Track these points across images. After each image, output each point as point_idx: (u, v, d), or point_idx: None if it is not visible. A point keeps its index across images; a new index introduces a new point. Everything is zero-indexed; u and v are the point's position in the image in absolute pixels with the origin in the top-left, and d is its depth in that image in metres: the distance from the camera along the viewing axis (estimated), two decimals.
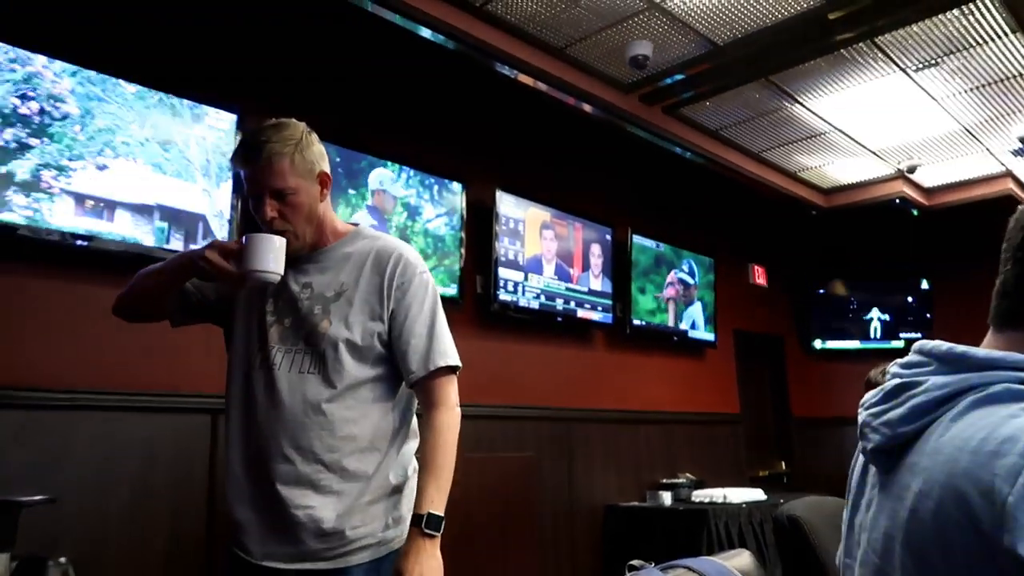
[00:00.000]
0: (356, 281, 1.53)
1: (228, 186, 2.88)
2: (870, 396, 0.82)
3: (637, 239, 4.76)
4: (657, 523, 4.19)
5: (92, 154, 2.56)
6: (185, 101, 2.81)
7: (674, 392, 5.03)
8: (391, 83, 3.66)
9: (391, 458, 1.52)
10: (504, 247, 3.91)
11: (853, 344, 6.42)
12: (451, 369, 1.53)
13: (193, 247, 2.71)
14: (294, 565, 1.45)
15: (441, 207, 3.68)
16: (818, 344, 6.46)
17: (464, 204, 3.78)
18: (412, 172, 3.57)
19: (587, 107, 3.93)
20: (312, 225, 1.54)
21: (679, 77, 3.85)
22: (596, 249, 4.51)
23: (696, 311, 5.21)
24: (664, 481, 4.61)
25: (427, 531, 1.39)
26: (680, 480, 4.61)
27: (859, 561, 0.80)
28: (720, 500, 4.27)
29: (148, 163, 2.70)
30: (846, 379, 6.07)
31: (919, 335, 6.23)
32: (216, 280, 1.52)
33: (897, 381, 0.79)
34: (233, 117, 2.92)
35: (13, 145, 2.40)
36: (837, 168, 5.21)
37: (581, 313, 4.34)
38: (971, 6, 3.26)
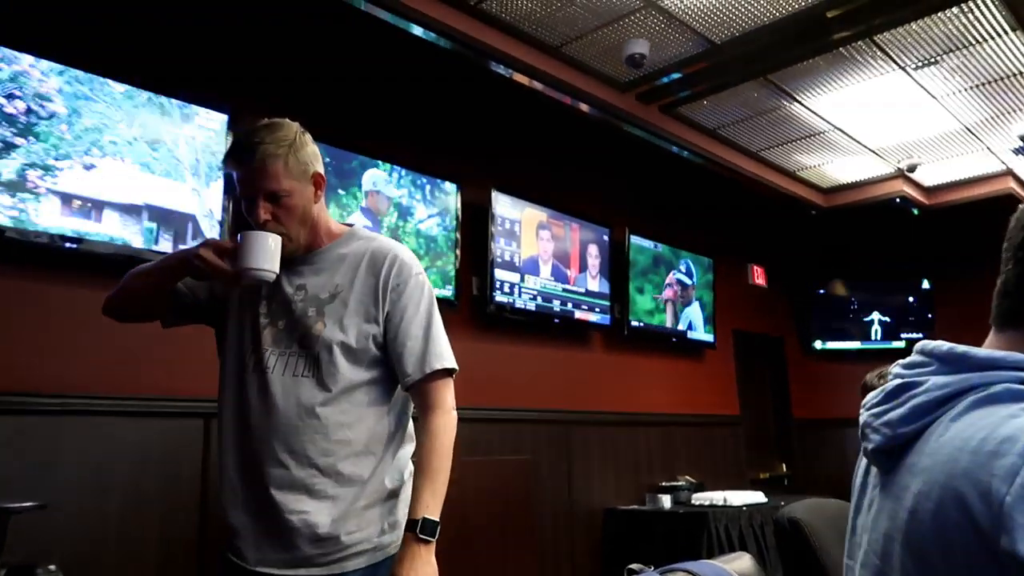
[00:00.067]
0: (351, 283, 1.53)
1: (218, 186, 2.88)
2: (872, 396, 0.82)
3: (635, 239, 4.76)
4: (656, 526, 4.19)
5: (79, 153, 2.56)
6: (174, 100, 2.80)
7: (673, 394, 5.04)
8: (384, 82, 3.66)
9: (387, 462, 1.52)
10: (500, 248, 3.91)
11: (854, 345, 6.43)
12: (447, 372, 1.53)
13: (183, 247, 2.71)
14: (289, 571, 1.44)
15: (433, 207, 3.68)
16: (818, 345, 6.47)
17: (459, 205, 3.78)
18: (403, 172, 3.56)
19: (583, 106, 3.93)
20: (306, 227, 1.53)
21: (676, 76, 3.86)
22: (593, 250, 4.51)
23: (694, 311, 5.22)
24: (663, 484, 4.62)
25: (422, 536, 1.39)
26: (679, 483, 4.62)
27: (860, 562, 0.81)
28: (720, 503, 4.28)
29: (136, 163, 2.69)
30: (847, 380, 6.07)
31: (920, 335, 6.25)
32: (210, 279, 1.52)
33: (898, 381, 0.79)
34: (224, 117, 2.92)
35: None
36: (836, 167, 5.22)
37: (578, 314, 4.34)
38: (970, 4, 3.27)
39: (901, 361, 0.82)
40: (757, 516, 4.25)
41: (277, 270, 1.46)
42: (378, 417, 1.52)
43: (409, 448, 1.57)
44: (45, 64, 2.50)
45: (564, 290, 4.27)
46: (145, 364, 2.68)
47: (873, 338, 6.41)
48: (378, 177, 3.48)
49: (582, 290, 4.39)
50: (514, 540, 3.72)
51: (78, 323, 2.54)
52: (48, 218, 2.48)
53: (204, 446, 2.77)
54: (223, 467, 1.52)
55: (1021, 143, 4.81)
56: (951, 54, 3.71)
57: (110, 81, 2.64)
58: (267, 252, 1.44)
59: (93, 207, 2.58)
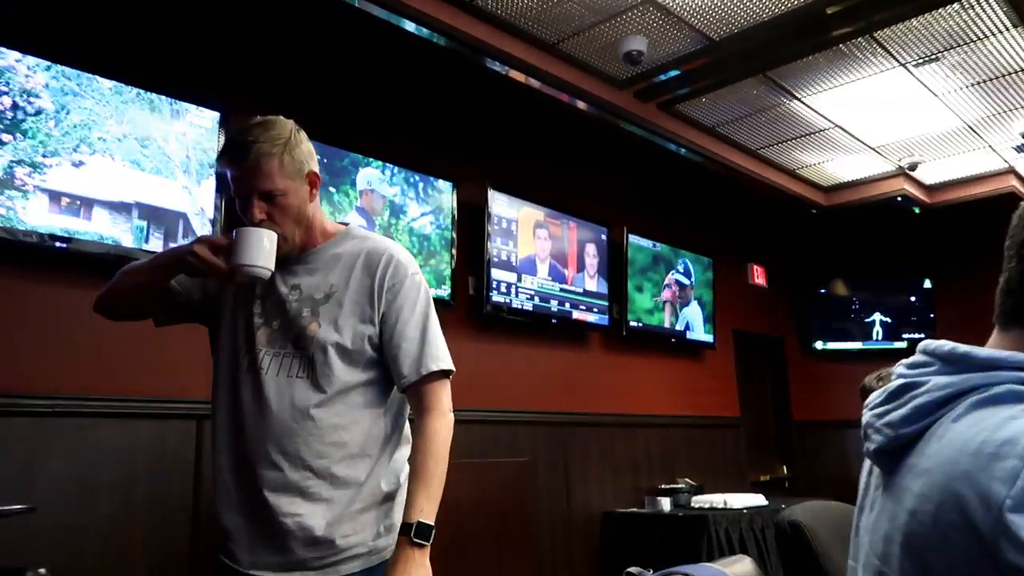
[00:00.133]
0: (346, 282, 1.53)
1: (209, 183, 2.87)
2: (875, 396, 0.82)
3: (633, 238, 4.77)
4: (656, 529, 4.19)
5: (68, 150, 2.55)
6: (164, 96, 2.79)
7: (672, 395, 5.04)
8: (379, 80, 3.66)
9: (382, 465, 1.51)
10: (496, 247, 3.91)
11: (855, 345, 6.44)
12: (444, 373, 1.53)
13: (173, 246, 2.71)
14: (283, 574, 1.44)
15: (427, 205, 3.67)
16: (819, 345, 6.48)
17: (455, 203, 3.78)
18: (396, 169, 3.56)
19: (580, 104, 3.93)
20: (301, 226, 1.53)
21: (674, 73, 3.86)
22: (591, 249, 4.51)
23: (693, 311, 5.22)
24: (663, 486, 4.62)
25: (416, 540, 1.38)
26: (679, 485, 4.62)
27: (861, 564, 0.81)
28: (720, 505, 4.28)
29: (126, 160, 2.69)
30: (848, 381, 6.08)
31: (922, 336, 6.26)
32: (204, 276, 1.51)
33: (901, 381, 0.79)
34: (215, 114, 2.91)
35: None
36: (837, 165, 5.23)
37: (576, 315, 4.34)
38: (971, 0, 3.28)
39: (904, 361, 0.82)
40: (758, 519, 4.26)
41: (272, 267, 1.46)
42: (374, 419, 1.51)
43: (405, 450, 1.57)
44: (32, 59, 2.49)
45: (562, 290, 4.27)
46: (136, 365, 2.68)
47: (874, 338, 6.42)
48: (372, 176, 3.47)
49: (580, 290, 4.39)
50: (511, 544, 3.71)
51: (67, 323, 2.54)
52: (36, 216, 2.47)
53: (196, 448, 2.77)
54: (217, 469, 1.52)
55: (1023, 141, 4.82)
56: (952, 51, 3.72)
57: (98, 77, 2.64)
58: (262, 249, 1.43)
59: (82, 205, 2.58)
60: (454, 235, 3.76)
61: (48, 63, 2.52)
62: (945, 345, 0.77)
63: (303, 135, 1.53)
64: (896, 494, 0.74)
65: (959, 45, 3.67)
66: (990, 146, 4.97)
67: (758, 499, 4.52)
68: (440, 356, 1.52)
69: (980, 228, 6.04)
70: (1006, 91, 4.18)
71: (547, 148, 4.44)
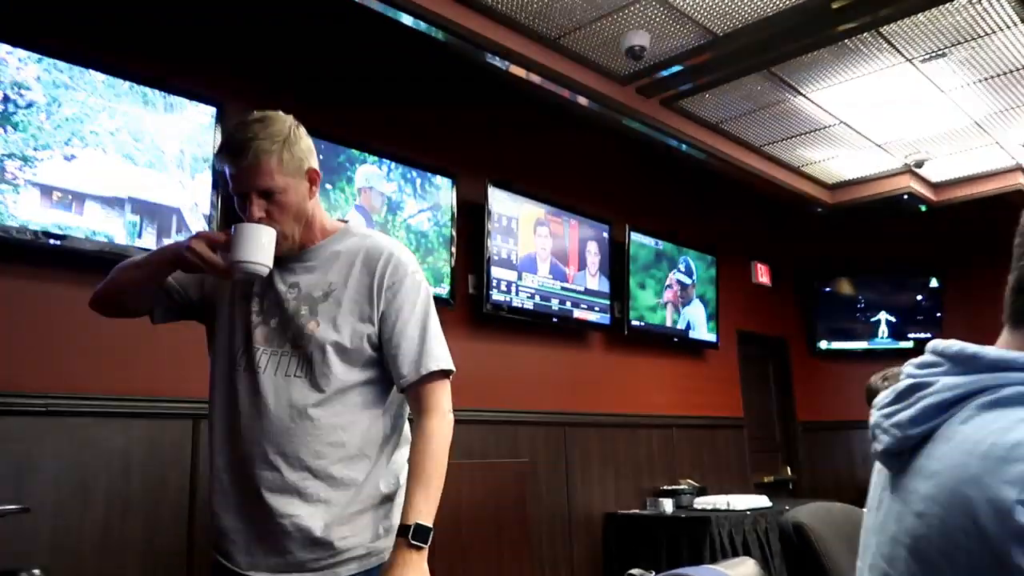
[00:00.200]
0: (345, 281, 1.52)
1: (204, 178, 2.87)
2: (883, 396, 0.82)
3: (635, 236, 4.76)
4: (658, 531, 4.19)
5: (59, 144, 2.55)
6: (158, 90, 2.79)
7: (675, 395, 5.04)
8: (377, 74, 3.66)
9: (381, 466, 1.51)
10: (497, 245, 3.91)
11: (860, 345, 6.44)
12: (444, 373, 1.52)
13: (167, 241, 2.71)
14: None
15: (424, 202, 3.67)
16: (824, 345, 6.48)
17: (454, 200, 3.77)
18: (393, 165, 3.55)
19: (582, 100, 3.93)
20: (301, 224, 1.52)
21: (677, 68, 3.86)
22: (593, 247, 4.51)
23: (696, 310, 5.22)
24: (665, 488, 4.62)
25: (414, 543, 1.38)
26: (682, 486, 4.62)
27: (868, 565, 0.81)
28: (723, 507, 4.28)
29: (118, 153, 2.68)
30: (853, 382, 6.07)
31: (928, 335, 6.26)
32: (202, 272, 1.51)
33: (909, 381, 0.79)
34: (211, 109, 2.91)
35: None
36: (842, 162, 5.23)
37: (578, 313, 4.34)
38: None
39: (913, 360, 0.82)
40: (761, 521, 4.26)
41: (271, 264, 1.45)
42: (372, 419, 1.51)
43: (405, 451, 1.57)
44: (22, 51, 2.48)
45: (563, 288, 4.27)
46: (131, 364, 2.68)
47: (880, 338, 6.42)
48: (371, 173, 3.47)
49: (581, 288, 4.38)
50: (511, 546, 3.71)
51: (62, 321, 2.54)
52: (28, 210, 2.47)
53: (192, 448, 2.77)
54: (214, 469, 1.52)
55: None
56: (959, 46, 3.71)
57: (91, 69, 2.63)
58: (260, 245, 1.43)
59: (74, 199, 2.57)
60: (454, 233, 3.75)
61: (40, 56, 2.52)
62: (954, 345, 0.77)
63: (302, 131, 1.53)
64: (903, 496, 0.74)
65: (966, 41, 3.66)
66: (997, 143, 4.97)
67: (761, 501, 4.52)
68: (440, 356, 1.52)
69: (987, 226, 6.04)
70: (1014, 87, 4.18)
71: (548, 145, 4.44)
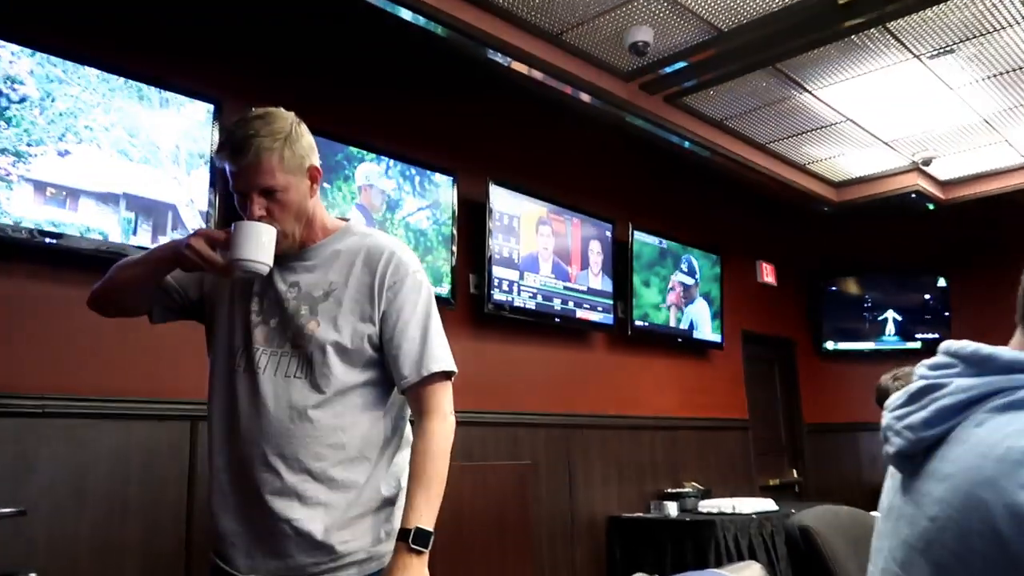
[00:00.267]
0: (346, 280, 1.52)
1: (199, 173, 2.87)
2: (895, 398, 0.82)
3: (639, 235, 4.76)
4: (662, 535, 4.19)
5: (53, 139, 2.55)
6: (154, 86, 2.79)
7: (679, 396, 5.04)
8: (376, 71, 3.66)
9: (382, 468, 1.51)
10: (498, 244, 3.91)
11: (867, 346, 6.44)
12: (445, 375, 1.52)
13: (162, 239, 2.71)
14: None
15: (423, 199, 3.66)
16: (830, 345, 6.48)
17: (455, 199, 3.77)
18: (392, 162, 3.55)
19: (585, 96, 3.93)
20: (301, 222, 1.52)
21: (681, 65, 3.86)
22: (596, 246, 4.51)
23: (699, 308, 5.21)
24: (669, 491, 4.62)
25: (414, 547, 1.38)
26: (686, 489, 4.62)
27: (880, 569, 0.81)
28: (728, 510, 4.28)
29: (113, 149, 2.68)
30: (860, 383, 6.09)
31: (936, 336, 6.26)
32: (201, 271, 1.51)
33: (922, 383, 0.79)
34: (209, 106, 2.91)
35: None
36: (849, 160, 5.23)
37: (580, 313, 4.34)
38: None
39: (926, 362, 0.82)
40: (767, 524, 4.26)
41: (271, 263, 1.45)
42: (373, 421, 1.51)
43: (406, 454, 1.57)
44: (15, 45, 2.48)
45: (565, 288, 4.27)
46: (129, 364, 2.68)
47: (887, 339, 6.41)
48: (372, 171, 3.47)
49: (584, 288, 4.38)
50: (512, 550, 3.71)
51: (58, 321, 2.54)
52: (21, 207, 2.47)
53: (191, 450, 2.77)
54: (213, 470, 1.52)
55: None
56: (968, 42, 3.71)
57: (87, 66, 2.63)
58: (260, 244, 1.43)
59: (68, 196, 2.57)
60: (454, 231, 3.76)
61: (33, 50, 2.52)
62: (968, 346, 0.77)
63: (304, 128, 1.53)
64: (917, 499, 0.74)
65: (975, 36, 3.66)
66: (1006, 140, 4.96)
67: (767, 504, 4.51)
68: (441, 357, 1.52)
69: (997, 225, 6.06)
70: (1023, 84, 4.18)
71: (550, 142, 4.44)
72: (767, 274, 6.16)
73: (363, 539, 1.47)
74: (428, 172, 3.70)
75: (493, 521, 3.59)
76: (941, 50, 3.78)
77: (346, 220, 1.64)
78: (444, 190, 3.76)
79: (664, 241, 4.98)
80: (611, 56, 3.77)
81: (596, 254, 4.50)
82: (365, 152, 3.45)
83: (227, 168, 1.48)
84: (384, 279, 1.52)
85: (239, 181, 1.48)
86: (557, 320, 4.22)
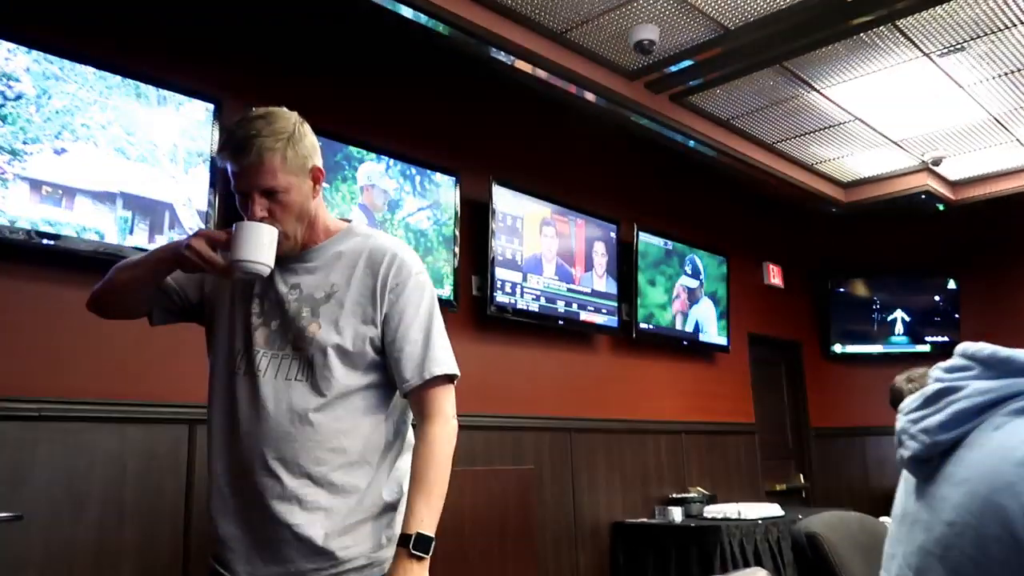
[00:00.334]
0: (347, 282, 1.52)
1: (197, 172, 2.87)
2: (910, 401, 0.82)
3: (644, 236, 4.76)
4: (667, 541, 4.19)
5: (49, 137, 2.55)
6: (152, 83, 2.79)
7: (684, 400, 5.03)
8: (377, 70, 3.66)
9: (383, 473, 1.51)
10: (501, 245, 3.91)
11: (875, 348, 6.43)
12: (448, 378, 1.52)
13: (159, 238, 2.72)
14: None
15: (424, 200, 3.66)
16: (838, 348, 6.47)
17: (458, 199, 3.77)
18: (391, 162, 3.56)
19: (589, 95, 3.93)
20: (303, 224, 1.53)
21: (687, 63, 3.86)
22: (600, 247, 4.51)
23: (704, 308, 5.20)
24: (674, 496, 4.62)
25: (415, 553, 1.38)
26: (691, 495, 4.61)
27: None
28: (734, 516, 4.27)
29: (110, 147, 2.69)
30: (868, 386, 6.09)
31: (946, 339, 6.25)
32: (201, 271, 1.51)
33: (938, 385, 0.79)
34: (208, 104, 2.92)
35: None
36: (857, 160, 5.22)
37: (584, 316, 4.34)
38: None
39: (941, 364, 0.82)
40: (773, 530, 4.25)
41: (272, 264, 1.45)
42: (374, 425, 1.51)
43: (408, 458, 1.56)
44: (11, 42, 2.48)
45: (569, 290, 4.27)
46: (127, 367, 2.68)
47: (896, 341, 6.40)
48: (374, 170, 3.47)
49: (588, 290, 4.38)
50: (514, 555, 3.71)
51: (55, 323, 2.55)
52: (16, 205, 2.47)
53: (188, 454, 2.78)
54: (212, 474, 1.52)
55: None
56: (978, 40, 3.71)
57: (86, 65, 2.64)
58: (262, 244, 1.43)
59: (64, 194, 2.58)
60: (456, 232, 3.76)
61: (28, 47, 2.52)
62: (986, 348, 0.77)
63: (307, 128, 1.53)
64: (933, 504, 0.74)
65: (985, 34, 3.66)
66: (1017, 140, 4.95)
67: (774, 509, 4.51)
68: (444, 360, 1.52)
69: (1007, 225, 6.05)
70: None
71: (554, 142, 4.44)
72: (774, 276, 6.15)
73: (364, 545, 1.47)
74: (428, 172, 3.70)
75: (495, 526, 3.59)
76: (951, 48, 3.77)
77: (348, 221, 1.64)
78: (444, 190, 3.76)
79: (669, 242, 4.98)
80: (616, 55, 3.77)
81: (600, 255, 4.50)
82: (365, 152, 3.45)
83: (228, 168, 1.48)
84: (387, 281, 1.52)
85: (240, 181, 1.48)
86: (560, 323, 4.22)
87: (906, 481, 0.85)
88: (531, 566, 3.78)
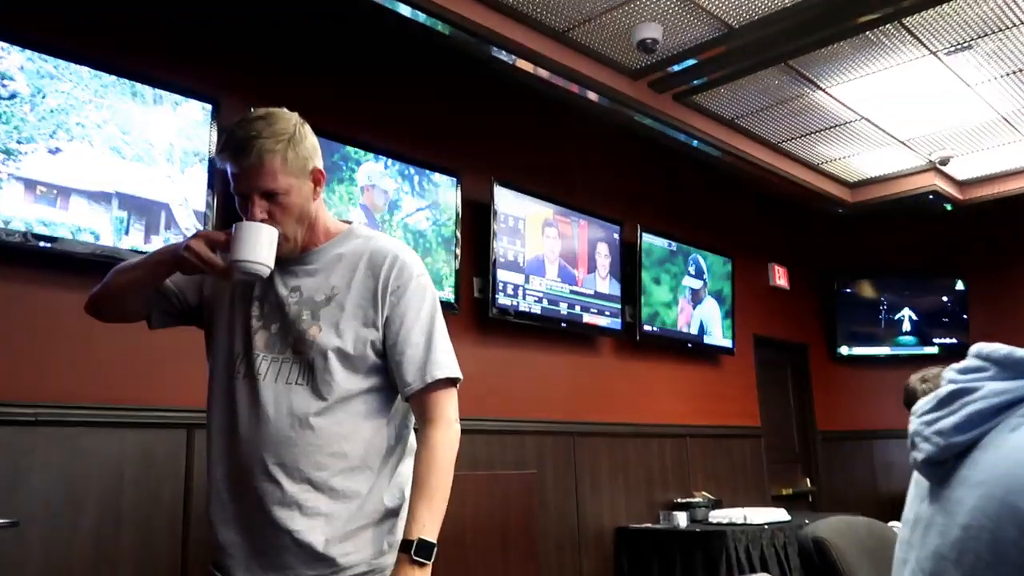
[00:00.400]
0: (348, 284, 1.52)
1: (194, 171, 2.88)
2: (923, 403, 0.81)
3: (647, 237, 4.76)
4: (671, 546, 4.18)
5: (44, 137, 2.55)
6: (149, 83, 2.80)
7: (689, 403, 5.03)
8: (377, 69, 3.67)
9: (385, 478, 1.51)
10: (503, 247, 3.91)
11: (883, 351, 6.42)
12: (450, 381, 1.52)
13: (155, 239, 2.72)
14: None
15: (423, 200, 3.66)
16: (844, 351, 6.46)
17: (459, 200, 3.78)
18: (390, 162, 3.56)
19: (592, 95, 3.93)
20: (304, 226, 1.52)
21: (691, 62, 3.86)
22: (603, 248, 4.51)
23: (709, 308, 5.19)
24: (679, 500, 4.61)
25: (417, 559, 1.38)
26: (696, 499, 4.61)
27: None
28: (740, 521, 4.27)
29: (105, 147, 2.69)
30: (875, 389, 6.09)
31: (954, 340, 6.24)
32: (201, 273, 1.51)
33: (952, 387, 0.78)
34: (206, 105, 2.92)
35: None
36: (864, 160, 5.22)
37: (587, 318, 4.34)
38: None
39: (955, 365, 0.82)
40: (779, 535, 4.25)
41: (272, 265, 1.45)
42: (376, 429, 1.51)
43: (410, 463, 1.56)
44: (6, 41, 2.49)
45: (572, 292, 4.27)
46: (124, 371, 2.68)
47: (903, 343, 6.39)
48: (374, 171, 3.48)
49: (591, 292, 4.38)
50: (517, 561, 3.71)
51: (52, 326, 2.55)
52: (10, 205, 2.47)
53: (187, 459, 2.78)
54: (212, 480, 1.52)
55: None
56: (986, 38, 3.70)
57: (83, 66, 2.64)
58: (262, 245, 1.43)
59: (59, 194, 2.58)
60: (457, 233, 3.76)
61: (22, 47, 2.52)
62: (1001, 349, 0.76)
63: (307, 129, 1.53)
64: (947, 507, 0.73)
65: (993, 32, 3.66)
66: None
67: (780, 514, 4.50)
68: (446, 363, 1.51)
69: (1016, 225, 6.04)
70: None
71: (556, 142, 4.44)
72: (779, 277, 6.15)
73: (365, 551, 1.47)
74: (427, 172, 3.70)
75: (498, 532, 3.59)
76: (958, 46, 3.77)
77: (348, 223, 1.64)
78: (444, 190, 3.76)
79: (673, 243, 4.97)
80: (619, 54, 3.78)
81: (603, 257, 4.50)
82: (365, 152, 3.46)
83: (228, 170, 1.48)
84: (388, 283, 1.52)
85: (240, 183, 1.48)
86: (563, 325, 4.22)
87: (917, 485, 0.84)
88: (533, 572, 3.78)
